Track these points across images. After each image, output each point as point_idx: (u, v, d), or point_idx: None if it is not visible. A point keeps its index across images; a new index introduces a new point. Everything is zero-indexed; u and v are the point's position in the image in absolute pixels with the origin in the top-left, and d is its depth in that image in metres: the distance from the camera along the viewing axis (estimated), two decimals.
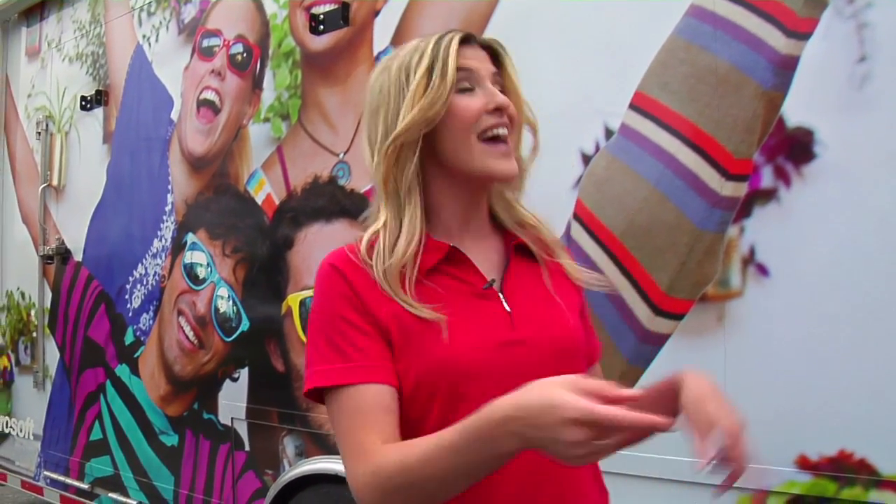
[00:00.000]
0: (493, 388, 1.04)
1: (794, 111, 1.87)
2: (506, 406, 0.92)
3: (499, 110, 1.15)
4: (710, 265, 1.98)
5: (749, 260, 1.92)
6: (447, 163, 1.17)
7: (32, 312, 4.23)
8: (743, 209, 1.93)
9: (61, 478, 3.96)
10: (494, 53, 1.20)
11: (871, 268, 1.77)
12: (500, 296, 1.17)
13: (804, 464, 1.83)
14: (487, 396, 1.02)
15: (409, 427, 1.09)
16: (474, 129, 1.15)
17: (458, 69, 1.14)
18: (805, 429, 1.84)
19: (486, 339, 1.13)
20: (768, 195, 1.90)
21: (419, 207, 1.16)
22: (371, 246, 1.14)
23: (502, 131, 1.15)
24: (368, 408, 1.07)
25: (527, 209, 1.27)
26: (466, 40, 1.18)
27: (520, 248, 1.24)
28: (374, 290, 1.11)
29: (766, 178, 1.90)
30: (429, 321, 1.11)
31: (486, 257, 1.21)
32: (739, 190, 1.94)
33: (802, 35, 1.86)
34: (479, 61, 1.18)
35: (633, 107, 2.10)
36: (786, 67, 1.88)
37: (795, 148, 1.86)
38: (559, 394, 0.87)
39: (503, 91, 1.18)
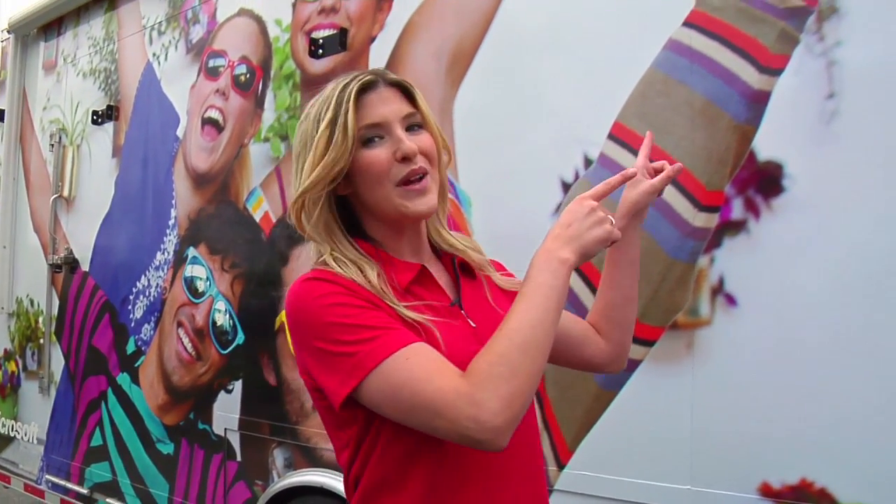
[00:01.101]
0: None
1: (765, 145, 1.92)
2: (549, 233, 1.16)
3: (407, 158, 1.18)
4: (681, 294, 2.02)
5: (718, 289, 1.97)
6: (373, 208, 1.22)
7: (40, 319, 4.33)
8: (713, 240, 1.97)
9: (62, 482, 4.04)
10: (405, 90, 1.23)
11: (836, 300, 1.81)
12: (463, 313, 1.24)
13: (767, 491, 1.86)
14: None
15: (396, 426, 1.11)
16: (390, 179, 1.18)
17: (365, 125, 1.17)
18: (768, 456, 1.87)
19: (466, 351, 1.15)
20: (738, 227, 1.95)
21: (348, 241, 1.21)
22: (331, 280, 1.15)
23: (415, 178, 1.18)
24: (428, 358, 1.08)
25: (452, 233, 1.33)
26: (371, 85, 1.20)
27: (461, 267, 1.31)
28: (367, 291, 1.15)
29: (737, 210, 1.95)
30: (421, 330, 1.15)
31: (439, 278, 1.27)
32: (711, 221, 1.98)
33: (775, 71, 1.91)
34: (388, 104, 1.19)
35: (612, 137, 2.15)
36: (758, 102, 1.93)
37: (765, 181, 1.91)
38: (578, 195, 1.20)
39: (419, 125, 1.22)
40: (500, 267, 1.42)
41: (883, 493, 1.72)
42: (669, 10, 2.06)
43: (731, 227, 1.95)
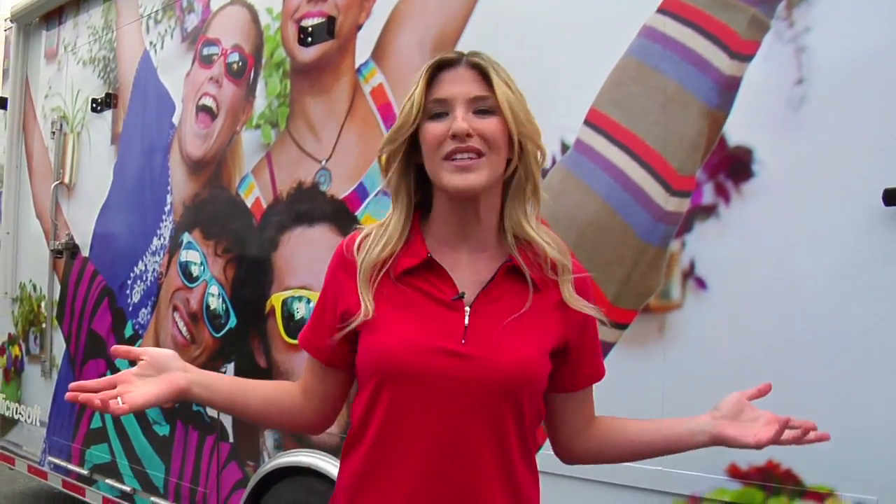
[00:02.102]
0: (420, 388, 1.22)
1: (736, 130, 1.94)
2: None
3: (456, 136, 1.22)
4: (653, 277, 2.05)
5: (689, 273, 1.99)
6: (432, 180, 1.28)
7: (42, 304, 4.40)
8: (685, 224, 2.00)
9: (63, 463, 4.11)
10: (483, 71, 1.26)
11: (805, 283, 1.83)
12: (466, 309, 1.25)
13: (735, 472, 1.89)
14: (412, 393, 1.22)
15: (360, 396, 1.30)
16: (439, 153, 1.24)
17: (433, 99, 1.25)
18: None
19: (428, 345, 1.22)
20: (708, 211, 1.97)
21: (404, 213, 1.30)
22: (367, 237, 1.30)
23: (461, 156, 1.22)
24: (306, 365, 1.40)
25: (535, 226, 1.29)
26: (450, 63, 1.26)
27: (513, 269, 1.28)
28: (351, 290, 1.28)
29: (707, 195, 1.97)
30: (384, 318, 1.24)
31: (474, 271, 1.29)
32: (682, 205, 2.01)
33: (745, 56, 1.93)
34: (458, 84, 1.24)
35: (588, 122, 2.18)
36: (729, 88, 1.95)
37: (735, 166, 1.93)
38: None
39: (489, 110, 1.24)
40: (581, 283, 1.33)
41: (846, 475, 1.74)
42: None
43: (702, 212, 1.98)
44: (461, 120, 1.22)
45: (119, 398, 1.15)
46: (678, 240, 2.01)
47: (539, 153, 1.29)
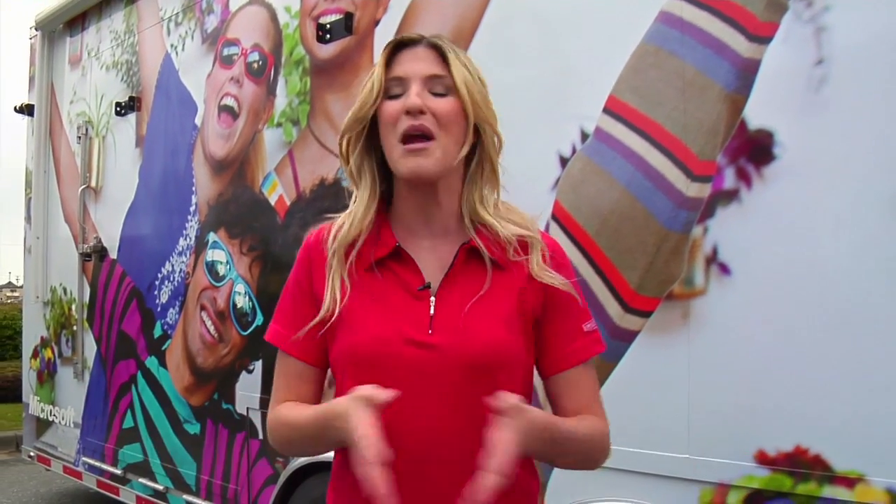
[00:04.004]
0: (390, 380, 1.18)
1: (756, 114, 1.91)
2: (338, 405, 1.16)
3: (410, 113, 1.21)
4: (676, 264, 2.03)
5: (712, 259, 1.97)
6: (389, 163, 1.26)
7: (73, 307, 4.47)
8: (706, 210, 1.98)
9: (98, 463, 4.18)
10: (441, 52, 1.25)
11: (828, 266, 1.81)
12: (431, 299, 1.24)
13: (762, 459, 1.87)
14: (387, 385, 1.17)
15: (336, 395, 1.27)
16: (395, 132, 1.23)
17: (391, 77, 1.24)
18: (764, 424, 1.88)
19: (396, 336, 1.22)
20: (730, 196, 1.95)
21: (368, 191, 1.29)
22: (341, 227, 1.30)
23: (413, 142, 1.21)
24: (287, 373, 1.34)
25: (491, 209, 1.28)
26: (409, 44, 1.26)
27: (472, 252, 1.27)
28: (322, 255, 1.29)
29: (729, 180, 1.95)
30: (353, 311, 1.24)
31: (437, 257, 1.28)
32: (703, 191, 1.99)
33: (763, 39, 1.90)
34: (415, 62, 1.24)
35: (607, 110, 2.16)
36: (748, 71, 1.92)
37: (756, 150, 1.91)
38: (353, 406, 1.13)
39: (445, 91, 1.23)
40: (555, 259, 1.31)
41: (876, 459, 1.72)
42: None
43: (724, 197, 1.96)
44: (415, 96, 1.21)
45: None
46: (700, 225, 1.99)
47: (496, 139, 1.27)
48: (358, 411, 1.12)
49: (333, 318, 1.24)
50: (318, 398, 1.32)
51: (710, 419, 1.97)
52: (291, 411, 1.28)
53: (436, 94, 1.23)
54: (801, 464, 1.82)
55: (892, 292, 1.72)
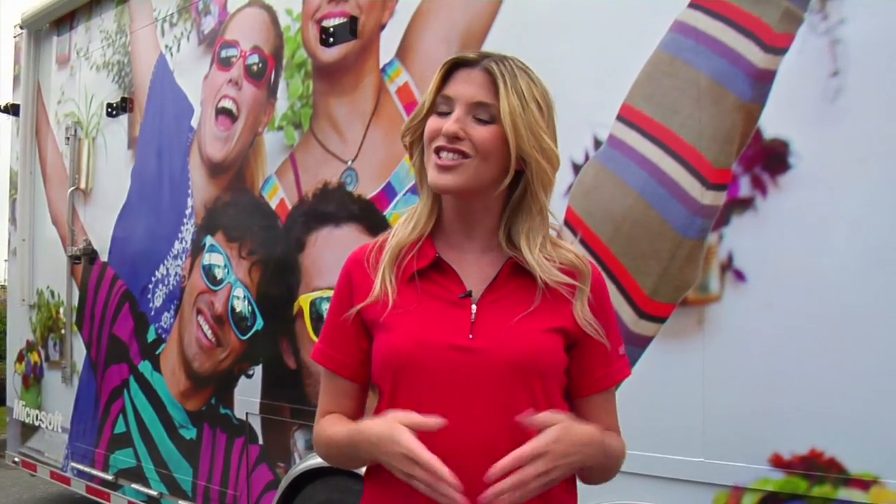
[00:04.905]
0: (433, 385, 1.24)
1: (771, 123, 1.95)
2: (373, 428, 1.20)
3: (446, 136, 1.24)
4: (691, 271, 2.06)
5: (727, 266, 2.01)
6: None
7: (61, 310, 4.41)
8: (721, 217, 2.01)
9: (87, 469, 4.13)
10: (495, 80, 1.25)
11: (843, 274, 1.85)
12: (473, 307, 1.27)
13: (778, 462, 1.91)
14: (426, 390, 1.24)
15: (379, 401, 1.32)
16: (432, 146, 1.27)
17: (442, 95, 1.27)
18: (779, 428, 1.92)
19: (438, 341, 1.25)
20: (745, 204, 1.98)
21: (426, 202, 1.33)
22: (398, 227, 1.34)
23: (445, 154, 1.24)
24: (332, 389, 1.38)
25: (535, 249, 1.28)
26: (467, 64, 1.27)
27: (517, 267, 1.29)
28: (368, 288, 1.30)
29: (744, 188, 1.98)
30: (395, 319, 1.27)
31: (479, 269, 1.31)
32: (719, 199, 2.02)
33: (779, 50, 1.94)
34: (466, 85, 1.26)
35: (620, 118, 2.19)
36: (763, 81, 1.96)
37: (771, 158, 1.94)
38: (399, 430, 1.15)
39: (488, 119, 1.24)
40: (598, 285, 1.34)
41: (890, 462, 1.76)
42: None
43: (739, 205, 1.99)
44: (453, 122, 1.24)
45: None
46: (715, 233, 2.02)
47: (545, 177, 1.26)
48: (404, 436, 1.15)
49: (385, 315, 1.27)
50: (359, 412, 1.36)
51: (725, 423, 2.00)
52: (332, 426, 1.33)
53: (480, 120, 1.25)
54: (816, 466, 1.85)
55: None
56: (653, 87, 2.14)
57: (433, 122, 1.27)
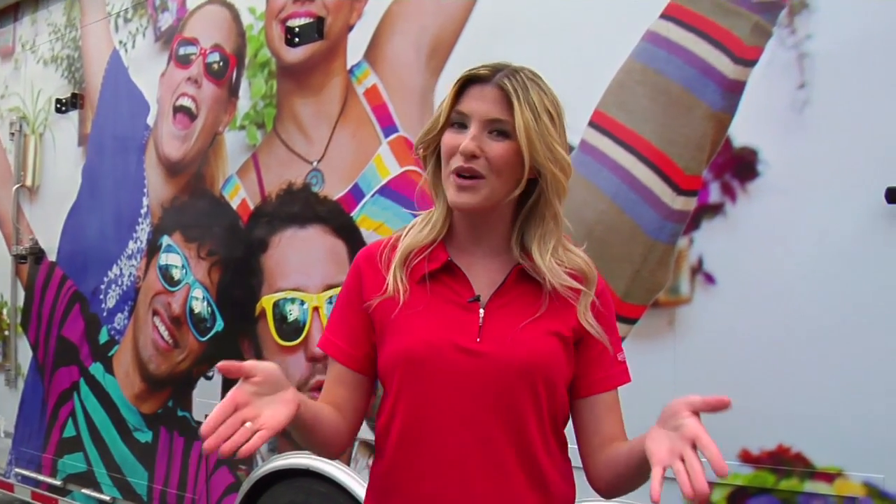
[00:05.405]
0: (439, 385, 1.27)
1: (741, 132, 2.02)
2: None
3: (463, 154, 1.26)
4: (662, 273, 2.13)
5: (697, 269, 2.07)
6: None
7: (5, 311, 4.27)
8: (692, 222, 2.08)
9: (33, 474, 4.01)
10: (509, 96, 1.27)
11: (809, 277, 1.93)
12: (481, 311, 1.30)
13: (746, 457, 1.98)
14: (433, 389, 1.27)
15: (383, 397, 1.34)
16: (449, 165, 1.29)
17: (456, 110, 1.29)
18: (747, 425, 1.98)
19: (446, 342, 1.28)
20: (716, 209, 2.05)
21: (441, 209, 1.35)
22: (410, 228, 1.38)
23: (463, 175, 1.27)
24: (333, 377, 1.40)
25: (546, 255, 1.30)
26: (480, 80, 1.29)
27: (524, 273, 1.33)
28: (378, 285, 1.33)
29: (714, 194, 2.05)
30: (404, 319, 1.30)
31: (488, 273, 1.34)
32: (689, 204, 2.09)
33: (749, 62, 2.01)
34: (481, 102, 1.27)
35: (593, 124, 2.24)
36: (733, 91, 2.03)
37: (741, 166, 2.02)
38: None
39: (504, 133, 1.26)
40: (603, 293, 1.38)
41: (854, 455, 1.84)
42: (647, 3, 2.15)
43: (710, 210, 2.06)
44: (470, 140, 1.26)
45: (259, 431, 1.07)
46: (686, 237, 2.09)
47: (559, 185, 1.29)
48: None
49: (395, 313, 1.30)
50: (355, 403, 1.38)
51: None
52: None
53: (495, 134, 1.27)
54: (784, 461, 1.93)
55: (870, 301, 1.84)
56: (625, 95, 2.19)
57: (450, 138, 1.29)
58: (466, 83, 1.30)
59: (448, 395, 1.27)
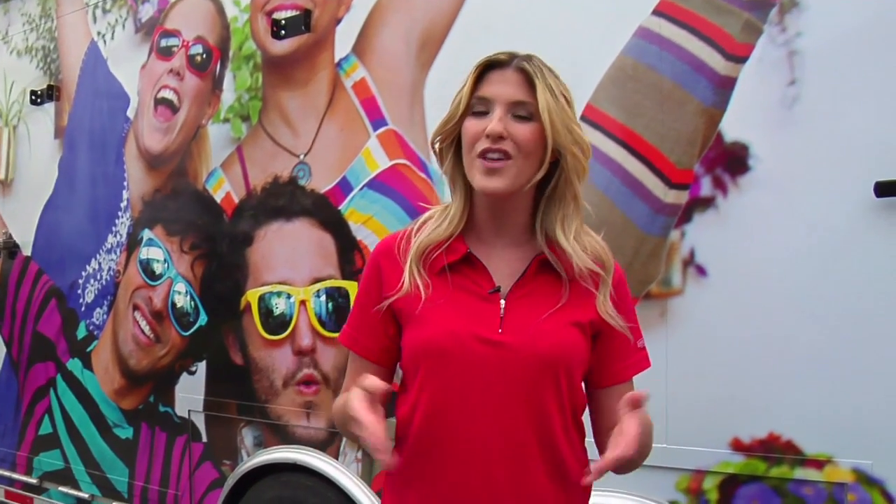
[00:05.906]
0: (461, 375, 1.29)
1: (732, 127, 2.06)
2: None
3: (490, 136, 1.28)
4: (654, 266, 2.16)
5: (689, 261, 2.11)
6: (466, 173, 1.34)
7: None
8: (684, 215, 2.11)
9: (7, 473, 3.94)
10: (530, 79, 1.29)
11: (799, 269, 1.97)
12: (502, 301, 1.32)
13: (737, 445, 2.03)
14: (456, 380, 1.29)
15: (404, 387, 1.36)
16: (474, 150, 1.30)
17: (477, 96, 1.30)
18: (738, 414, 2.03)
19: (468, 334, 1.29)
20: (707, 203, 2.09)
21: (459, 202, 1.36)
22: (425, 221, 1.38)
23: (490, 156, 1.28)
24: (354, 370, 1.42)
25: (570, 236, 1.33)
26: (500, 64, 1.31)
27: (545, 263, 1.34)
28: (397, 277, 1.34)
29: (706, 188, 2.09)
30: (426, 310, 1.30)
31: (508, 264, 1.35)
32: (681, 198, 2.12)
33: (740, 58, 2.05)
34: (502, 86, 1.29)
35: (584, 118, 2.25)
36: (724, 87, 2.07)
37: (732, 160, 2.05)
38: (352, 395, 1.25)
39: (527, 116, 1.28)
40: (620, 281, 1.42)
41: (843, 442, 1.89)
42: None
43: (701, 203, 2.10)
44: (497, 121, 1.27)
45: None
46: (678, 230, 2.12)
47: (579, 166, 1.32)
48: (356, 405, 1.22)
49: (420, 307, 1.30)
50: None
51: (687, 411, 2.11)
52: (339, 399, 1.39)
53: (518, 118, 1.29)
54: (774, 449, 1.98)
55: (854, 293, 1.90)
56: (617, 90, 2.22)
57: (472, 125, 1.30)
58: (485, 69, 1.31)
59: (471, 386, 1.28)
